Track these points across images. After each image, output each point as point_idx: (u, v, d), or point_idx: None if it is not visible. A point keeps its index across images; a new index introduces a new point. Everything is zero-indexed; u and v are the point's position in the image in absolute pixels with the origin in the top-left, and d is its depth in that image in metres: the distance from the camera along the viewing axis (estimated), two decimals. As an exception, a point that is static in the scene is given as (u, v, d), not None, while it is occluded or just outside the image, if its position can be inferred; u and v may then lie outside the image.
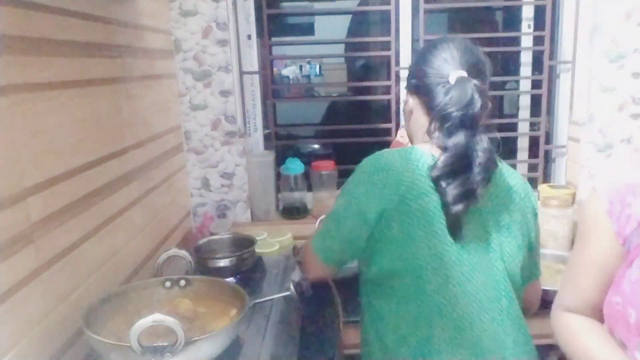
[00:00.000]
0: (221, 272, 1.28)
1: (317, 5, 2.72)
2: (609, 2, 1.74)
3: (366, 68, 2.83)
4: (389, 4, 1.88)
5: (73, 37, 1.03)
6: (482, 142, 0.96)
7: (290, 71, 4.00)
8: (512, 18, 2.12)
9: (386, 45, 1.93)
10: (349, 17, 2.81)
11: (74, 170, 1.01)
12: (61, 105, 0.98)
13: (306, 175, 1.96)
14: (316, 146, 2.95)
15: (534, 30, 1.94)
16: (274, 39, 2.35)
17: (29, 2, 0.89)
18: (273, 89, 2.05)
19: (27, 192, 0.85)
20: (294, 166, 1.93)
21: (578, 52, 1.86)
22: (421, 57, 1.06)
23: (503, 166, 1.05)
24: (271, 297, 1.10)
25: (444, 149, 0.96)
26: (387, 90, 1.97)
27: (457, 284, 0.95)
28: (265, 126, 2.03)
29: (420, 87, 1.04)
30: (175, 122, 1.72)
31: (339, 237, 1.06)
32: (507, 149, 2.03)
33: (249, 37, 1.91)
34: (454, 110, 0.95)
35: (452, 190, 0.94)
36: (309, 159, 2.17)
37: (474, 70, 1.00)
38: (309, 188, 1.97)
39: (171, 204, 1.63)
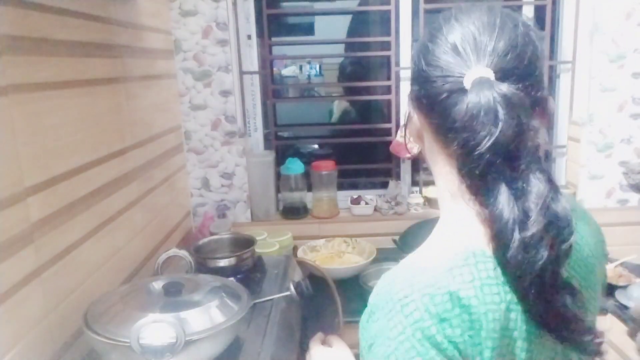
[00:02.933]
0: (221, 272, 1.28)
1: (317, 5, 2.71)
2: (609, 2, 1.74)
3: (358, 68, 2.82)
4: (389, 4, 1.88)
5: (73, 37, 1.03)
6: (536, 186, 0.54)
7: (290, 71, 3.99)
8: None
9: (386, 45, 1.93)
10: (349, 17, 2.81)
11: (74, 170, 1.01)
12: (61, 105, 0.98)
13: (306, 175, 1.96)
14: (316, 146, 2.95)
15: (534, 30, 1.94)
16: (274, 39, 2.35)
17: (29, 2, 0.89)
18: (273, 89, 2.05)
19: (27, 192, 0.85)
20: (294, 166, 1.93)
21: (578, 52, 1.85)
22: (422, 46, 0.62)
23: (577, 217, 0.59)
24: (271, 297, 1.10)
25: (491, 227, 0.56)
26: (387, 90, 1.97)
27: None
28: (265, 126, 2.03)
29: (424, 98, 0.61)
30: (175, 122, 1.72)
31: None
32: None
33: (249, 37, 1.91)
34: (473, 143, 0.54)
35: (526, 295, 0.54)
36: (309, 159, 2.16)
37: (508, 64, 0.57)
38: (309, 188, 1.97)
39: (171, 204, 1.63)
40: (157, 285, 0.97)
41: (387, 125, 2.00)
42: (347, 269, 1.63)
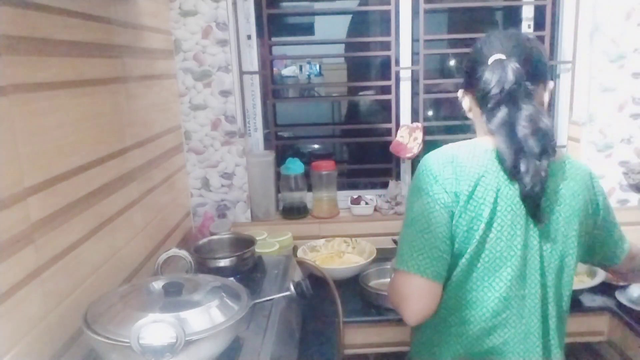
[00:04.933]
0: (221, 272, 1.28)
1: (317, 5, 2.71)
2: (609, 2, 1.74)
3: (366, 68, 2.83)
4: (389, 4, 1.88)
5: (73, 37, 1.03)
6: (526, 111, 0.94)
7: (290, 71, 3.99)
8: (512, 18, 2.12)
9: (386, 45, 1.93)
10: (349, 17, 2.81)
11: (74, 170, 1.01)
12: (61, 105, 0.98)
13: (306, 175, 1.96)
14: (316, 146, 2.95)
15: (534, 30, 1.94)
16: (274, 39, 2.35)
17: (29, 2, 0.89)
18: (273, 89, 2.05)
19: (27, 192, 0.85)
20: (294, 166, 1.93)
21: (578, 52, 1.86)
22: (469, 55, 1.05)
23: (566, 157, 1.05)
24: (271, 297, 1.10)
25: (492, 134, 0.96)
26: (387, 90, 1.97)
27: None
28: (265, 126, 2.03)
29: (469, 82, 1.04)
30: (175, 122, 1.72)
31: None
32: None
33: (249, 37, 1.91)
34: (489, 90, 0.95)
35: (524, 174, 0.93)
36: (309, 159, 2.16)
37: (514, 52, 0.98)
38: (309, 188, 1.97)
39: (171, 204, 1.63)
40: (157, 285, 0.97)
41: (387, 125, 2.00)
42: (347, 269, 1.63)
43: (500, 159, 0.95)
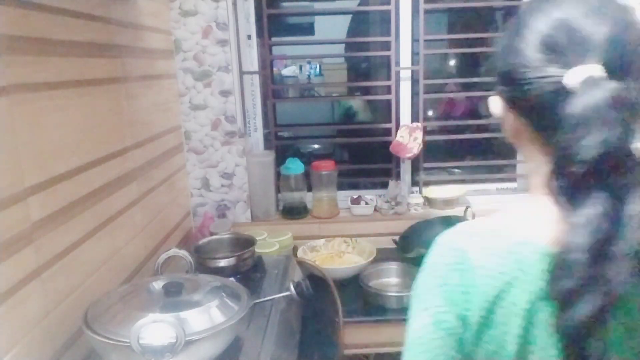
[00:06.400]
0: (221, 272, 1.28)
1: (317, 5, 2.72)
2: (609, 2, 1.74)
3: (367, 68, 2.84)
4: (389, 4, 1.88)
5: (73, 37, 1.03)
6: (636, 205, 0.51)
7: (290, 71, 3.99)
8: (512, 18, 2.12)
9: (386, 45, 1.93)
10: (349, 17, 2.81)
11: (74, 170, 1.01)
12: (61, 105, 0.98)
13: (306, 175, 1.96)
14: (316, 146, 2.95)
15: (534, 30, 1.94)
16: (274, 39, 2.35)
17: (29, 2, 0.89)
18: (273, 89, 2.05)
19: (27, 192, 0.85)
20: (294, 166, 1.93)
21: (578, 52, 1.85)
22: (509, 36, 0.59)
23: None
24: (271, 297, 1.10)
25: (568, 229, 0.52)
26: (387, 90, 1.97)
27: None
28: (265, 126, 2.03)
29: (516, 99, 0.59)
30: (175, 122, 1.72)
31: None
32: (507, 150, 2.03)
33: (249, 37, 1.91)
34: (579, 150, 0.50)
35: (577, 304, 0.51)
36: (309, 159, 2.16)
37: (623, 57, 0.52)
38: (309, 188, 1.97)
39: (171, 204, 1.63)
40: (157, 285, 0.97)
41: (387, 125, 2.00)
42: (347, 269, 1.63)
43: (558, 269, 0.53)
